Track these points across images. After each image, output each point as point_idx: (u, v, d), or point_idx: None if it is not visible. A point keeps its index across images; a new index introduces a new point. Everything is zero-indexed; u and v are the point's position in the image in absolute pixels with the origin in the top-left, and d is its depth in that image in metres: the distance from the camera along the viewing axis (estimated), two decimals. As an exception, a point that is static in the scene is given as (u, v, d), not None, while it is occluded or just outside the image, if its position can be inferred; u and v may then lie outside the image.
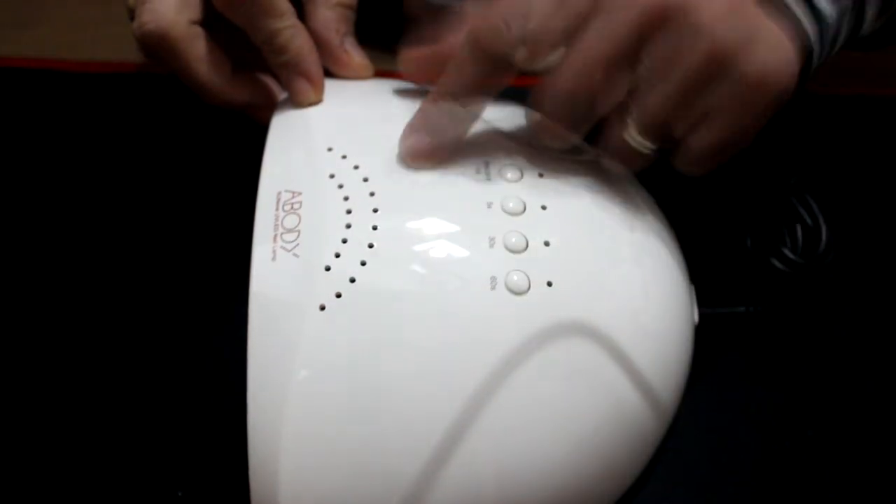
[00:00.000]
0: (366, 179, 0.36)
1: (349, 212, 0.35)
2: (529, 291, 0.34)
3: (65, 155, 0.52)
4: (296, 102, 0.41)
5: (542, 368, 0.33)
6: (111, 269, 0.47)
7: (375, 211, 0.35)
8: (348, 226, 0.34)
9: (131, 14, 0.43)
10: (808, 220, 0.47)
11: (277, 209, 0.35)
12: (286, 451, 0.32)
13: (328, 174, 0.36)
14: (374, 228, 0.34)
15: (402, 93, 0.41)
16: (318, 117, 0.39)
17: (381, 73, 0.45)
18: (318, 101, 0.41)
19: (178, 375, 0.44)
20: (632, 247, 0.37)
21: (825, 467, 0.42)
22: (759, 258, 0.47)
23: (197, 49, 0.42)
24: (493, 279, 0.34)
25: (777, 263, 0.46)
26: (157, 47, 0.42)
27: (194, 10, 0.42)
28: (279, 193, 0.35)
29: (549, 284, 0.34)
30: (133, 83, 0.55)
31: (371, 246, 0.34)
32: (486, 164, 0.37)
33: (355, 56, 0.44)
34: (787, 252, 0.46)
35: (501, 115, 0.40)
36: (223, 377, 0.43)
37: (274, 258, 0.34)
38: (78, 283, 0.47)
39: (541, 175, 0.37)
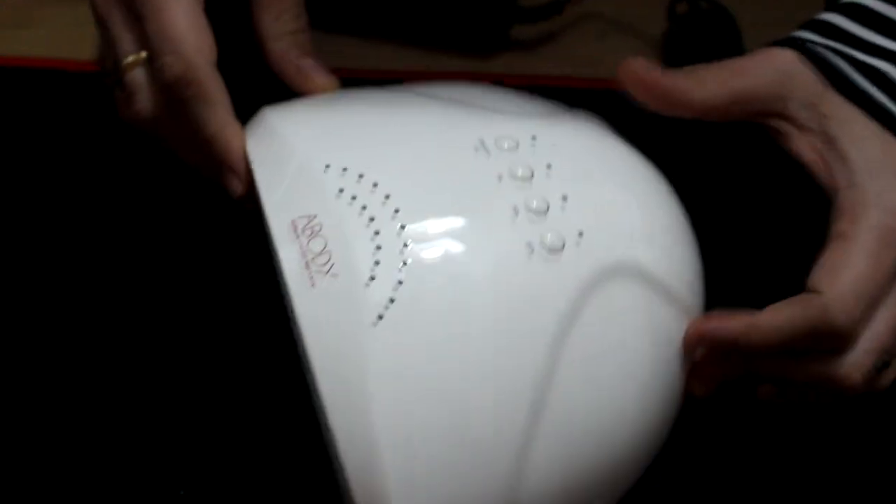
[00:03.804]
0: (375, 185, 0.35)
1: (372, 219, 0.35)
2: (566, 246, 0.35)
3: (65, 155, 0.52)
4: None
5: (598, 315, 0.35)
6: (112, 268, 0.47)
7: (397, 212, 0.35)
8: (377, 233, 0.34)
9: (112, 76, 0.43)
10: None
11: (298, 237, 0.34)
12: (390, 465, 0.32)
13: (336, 190, 0.35)
14: (402, 228, 0.34)
15: (376, 96, 0.41)
16: (300, 138, 0.38)
17: (373, 73, 0.45)
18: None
19: (180, 375, 0.44)
20: (636, 180, 0.39)
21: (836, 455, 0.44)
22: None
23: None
24: (529, 245, 0.35)
25: None
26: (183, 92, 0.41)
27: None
28: (293, 222, 0.35)
29: (581, 234, 0.35)
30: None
31: (406, 245, 0.34)
32: (482, 141, 0.37)
33: (316, 78, 0.44)
34: None
35: (472, 93, 0.41)
36: (224, 377, 0.44)
37: (313, 284, 0.33)
38: (79, 283, 0.47)
39: (534, 137, 0.38)
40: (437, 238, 0.34)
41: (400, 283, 0.33)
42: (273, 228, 0.35)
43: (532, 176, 0.36)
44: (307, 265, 0.34)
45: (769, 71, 0.41)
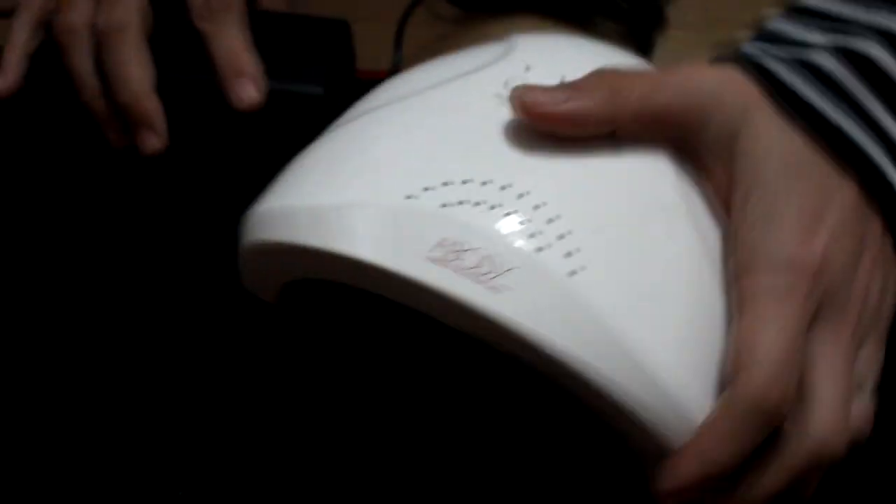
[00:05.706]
0: (484, 183, 0.35)
1: (494, 207, 0.35)
2: None
3: (65, 156, 0.51)
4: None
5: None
6: (112, 269, 0.48)
7: (503, 188, 0.35)
8: (507, 214, 0.34)
9: None
10: None
11: (447, 265, 0.34)
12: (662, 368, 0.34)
13: (439, 205, 0.35)
14: (524, 195, 0.35)
15: (368, 122, 0.40)
16: (356, 186, 0.37)
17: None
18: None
19: (179, 375, 0.45)
20: None
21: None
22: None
23: None
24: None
25: None
26: None
27: None
28: (428, 258, 0.34)
29: None
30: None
31: (537, 207, 0.35)
32: (505, 84, 0.38)
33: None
34: None
35: (444, 67, 0.41)
36: (223, 377, 0.45)
37: (498, 291, 0.33)
38: (79, 284, 0.47)
39: (528, 68, 0.40)
40: (557, 183, 0.36)
41: (561, 237, 0.34)
42: (417, 277, 0.34)
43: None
44: (478, 281, 0.33)
45: (690, 90, 0.36)
